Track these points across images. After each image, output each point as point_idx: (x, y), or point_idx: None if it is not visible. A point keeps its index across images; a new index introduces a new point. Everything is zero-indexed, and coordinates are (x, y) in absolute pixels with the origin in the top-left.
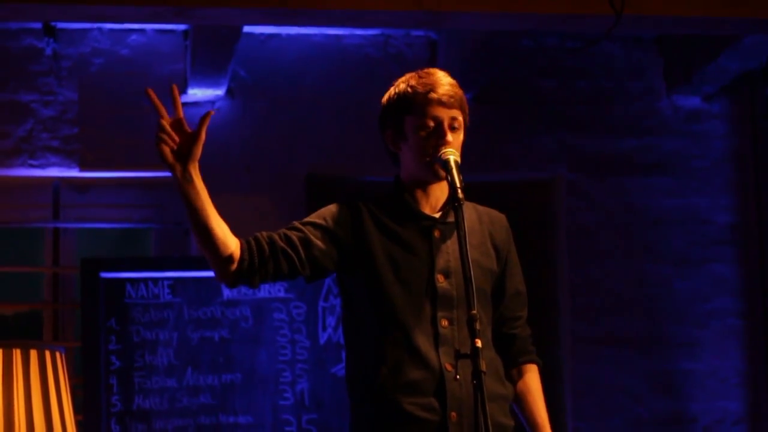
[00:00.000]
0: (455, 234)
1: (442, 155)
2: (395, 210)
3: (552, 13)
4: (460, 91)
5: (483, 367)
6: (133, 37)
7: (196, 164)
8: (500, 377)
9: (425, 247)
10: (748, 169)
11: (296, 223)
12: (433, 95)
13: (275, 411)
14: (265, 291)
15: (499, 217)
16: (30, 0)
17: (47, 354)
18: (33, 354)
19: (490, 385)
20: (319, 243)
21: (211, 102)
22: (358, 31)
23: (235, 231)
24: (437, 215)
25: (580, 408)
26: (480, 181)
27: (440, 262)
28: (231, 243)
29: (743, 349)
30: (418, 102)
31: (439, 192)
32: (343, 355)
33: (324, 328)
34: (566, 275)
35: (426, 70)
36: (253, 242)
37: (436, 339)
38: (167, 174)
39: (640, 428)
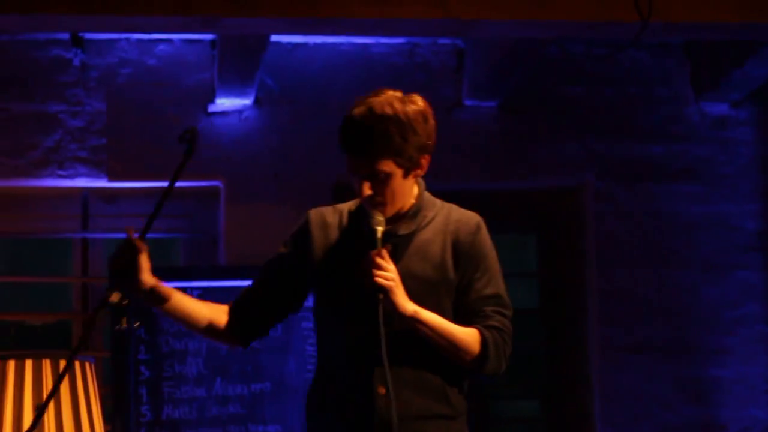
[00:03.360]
0: (409, 247)
1: (370, 220)
2: (357, 220)
3: (578, 21)
4: (375, 138)
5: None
6: (161, 47)
7: (146, 279)
8: (443, 395)
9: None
10: None
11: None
12: (348, 149)
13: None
14: None
15: (467, 221)
16: (58, 11)
17: (76, 364)
18: (63, 364)
19: (425, 403)
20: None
21: (239, 111)
22: (385, 40)
23: (264, 239)
24: (389, 227)
25: (609, 415)
26: (507, 188)
27: None
28: (220, 319)
29: None
30: (343, 152)
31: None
32: None
33: None
34: (594, 282)
35: (348, 117)
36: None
37: (374, 359)
38: (194, 184)
39: None
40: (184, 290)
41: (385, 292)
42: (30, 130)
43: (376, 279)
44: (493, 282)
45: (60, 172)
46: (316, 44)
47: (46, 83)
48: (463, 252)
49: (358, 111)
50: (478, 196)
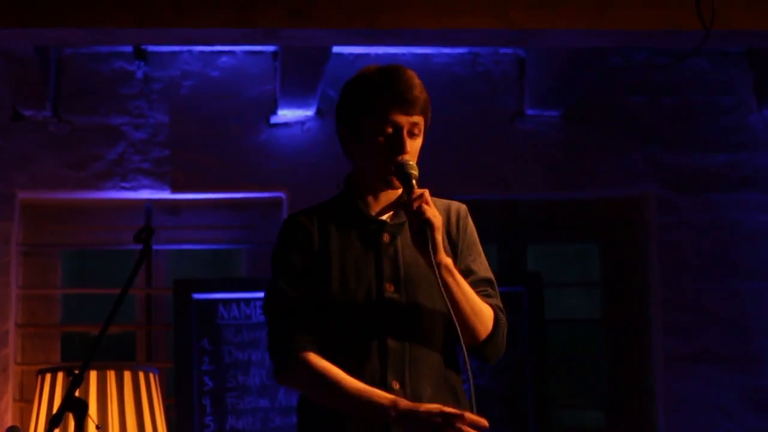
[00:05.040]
0: (406, 236)
1: (403, 167)
2: (344, 214)
3: (640, 30)
4: (425, 95)
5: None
6: (223, 59)
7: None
8: (451, 388)
9: (372, 254)
10: None
11: (288, 296)
12: (396, 98)
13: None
14: None
15: (456, 209)
16: (121, 24)
17: (141, 375)
18: (127, 375)
19: (438, 396)
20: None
21: (301, 122)
22: (446, 50)
23: None
24: (386, 217)
25: (672, 425)
26: (569, 198)
27: (388, 270)
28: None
29: None
30: (379, 104)
31: (392, 193)
32: None
33: None
34: (658, 292)
35: (391, 67)
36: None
37: (384, 353)
38: (257, 195)
39: None
40: (247, 301)
41: (432, 227)
42: (93, 143)
43: (426, 214)
44: (484, 267)
45: (123, 184)
46: (377, 55)
47: (109, 96)
48: (455, 239)
49: (402, 68)
50: (540, 206)
